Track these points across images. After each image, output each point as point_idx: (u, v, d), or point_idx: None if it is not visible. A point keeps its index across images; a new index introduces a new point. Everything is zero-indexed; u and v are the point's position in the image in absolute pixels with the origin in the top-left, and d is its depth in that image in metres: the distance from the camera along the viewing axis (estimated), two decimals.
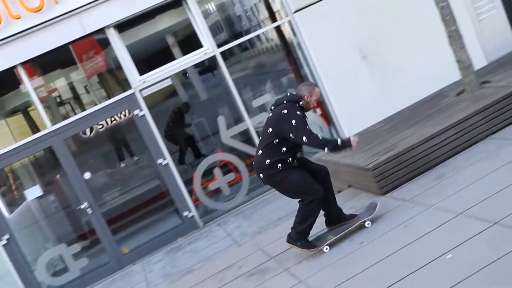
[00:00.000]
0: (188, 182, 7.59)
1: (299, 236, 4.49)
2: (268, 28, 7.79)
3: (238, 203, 7.66)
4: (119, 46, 7.21)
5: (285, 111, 4.35)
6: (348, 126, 7.64)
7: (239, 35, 7.84)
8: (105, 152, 8.77)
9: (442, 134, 5.10)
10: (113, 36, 7.17)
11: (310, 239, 4.59)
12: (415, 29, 7.77)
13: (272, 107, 4.56)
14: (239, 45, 7.62)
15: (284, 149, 4.35)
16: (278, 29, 7.97)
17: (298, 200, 4.57)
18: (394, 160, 4.97)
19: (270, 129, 4.39)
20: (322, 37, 7.55)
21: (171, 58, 7.42)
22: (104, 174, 8.26)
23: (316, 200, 4.43)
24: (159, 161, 7.35)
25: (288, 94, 4.63)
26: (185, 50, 7.37)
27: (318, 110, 7.92)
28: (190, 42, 7.40)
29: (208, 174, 7.67)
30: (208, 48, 7.38)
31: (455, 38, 6.05)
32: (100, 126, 8.14)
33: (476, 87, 5.99)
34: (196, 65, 7.57)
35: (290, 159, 4.42)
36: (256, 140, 7.54)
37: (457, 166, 4.93)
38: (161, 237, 7.55)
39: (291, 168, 4.43)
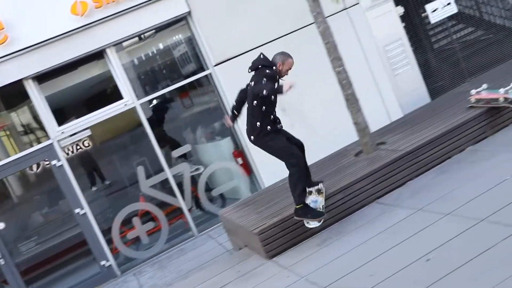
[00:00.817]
0: (107, 231, 7.63)
1: (299, 199, 5.02)
2: (190, 80, 7.98)
3: (157, 251, 7.73)
4: (38, 97, 7.28)
5: (265, 79, 4.85)
6: (268, 176, 7.84)
7: (160, 86, 7.99)
8: (22, 201, 8.74)
9: (330, 198, 5.32)
10: (31, 87, 7.24)
11: None
12: (330, 85, 8.06)
13: (250, 70, 5.13)
14: (160, 96, 7.78)
15: (272, 116, 5.13)
16: (200, 81, 8.17)
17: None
18: (281, 224, 5.15)
19: (255, 102, 4.99)
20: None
21: (91, 109, 7.51)
22: (21, 223, 8.22)
23: (299, 163, 5.13)
24: (77, 210, 7.37)
25: (262, 56, 5.13)
26: (106, 101, 7.48)
27: (239, 160, 8.12)
28: (110, 94, 7.53)
29: (128, 223, 7.74)
30: (128, 99, 7.51)
31: (351, 101, 6.33)
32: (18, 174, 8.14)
33: (372, 149, 6.26)
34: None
35: (272, 117, 5.15)
36: (176, 189, 7.73)
37: (341, 231, 5.14)
38: (78, 286, 7.54)
39: (276, 132, 5.18)
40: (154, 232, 7.82)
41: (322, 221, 5.08)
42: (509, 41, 9.58)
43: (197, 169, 7.94)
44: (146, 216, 7.88)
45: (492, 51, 9.50)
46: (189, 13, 7.63)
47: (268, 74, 4.91)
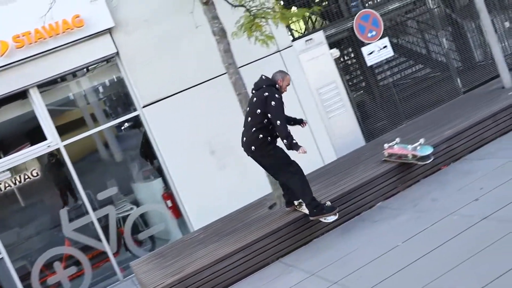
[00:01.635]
0: (27, 276, 7.38)
1: (314, 203, 5.26)
2: (118, 122, 7.86)
3: None
4: None
5: (266, 93, 5.28)
6: (197, 220, 7.70)
7: (87, 127, 7.84)
8: None
9: (232, 256, 5.21)
10: None
11: None
12: None
13: (253, 91, 5.51)
14: (87, 137, 7.63)
15: (271, 126, 5.31)
16: (129, 122, 8.05)
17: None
18: (179, 284, 5.01)
19: (259, 110, 5.29)
20: (170, 132, 7.66)
21: (13, 150, 7.33)
22: None
23: (299, 170, 5.43)
24: None
25: (264, 77, 5.51)
26: (29, 142, 7.32)
27: (169, 202, 7.98)
28: (34, 134, 7.35)
29: (50, 267, 7.51)
30: (52, 141, 7.35)
31: None
32: None
33: (284, 203, 6.14)
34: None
35: (275, 135, 5.38)
36: (101, 233, 7.54)
37: None
38: None
39: (275, 144, 5.45)
40: (78, 276, 7.60)
41: (337, 213, 5.30)
42: (448, 81, 9.70)
43: (124, 212, 7.78)
44: (70, 260, 7.66)
45: (431, 92, 9.59)
46: (117, 54, 7.54)
47: (275, 89, 5.39)
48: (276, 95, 5.30)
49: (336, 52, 8.85)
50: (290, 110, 8.08)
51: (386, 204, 5.81)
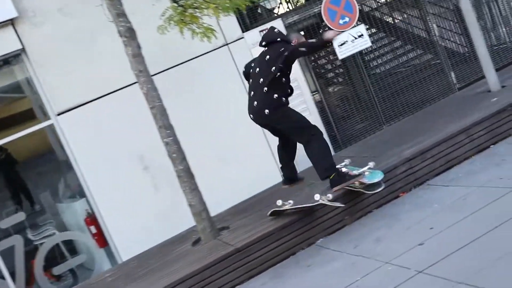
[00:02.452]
0: None
1: (332, 170, 4.85)
2: (26, 133, 6.51)
3: None
4: None
5: (283, 49, 4.90)
6: (126, 248, 6.44)
7: None
8: None
9: None
10: None
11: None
12: (204, 134, 6.70)
13: (264, 43, 5.08)
14: None
15: (284, 79, 4.93)
16: (40, 133, 6.72)
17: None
18: None
19: (274, 67, 4.83)
20: (92, 145, 6.36)
21: None
22: None
23: (317, 133, 5.01)
24: None
25: (277, 31, 5.16)
26: None
27: (92, 228, 6.69)
28: None
29: None
30: None
31: (183, 178, 5.01)
32: None
33: (211, 236, 5.15)
34: None
35: (289, 92, 5.05)
36: (3, 268, 6.28)
37: None
38: None
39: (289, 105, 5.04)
40: None
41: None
42: (439, 76, 8.22)
43: (38, 240, 6.52)
44: None
45: (418, 89, 8.13)
46: (23, 50, 6.18)
47: (288, 46, 4.92)
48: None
49: None
50: (240, 116, 6.83)
51: (327, 241, 4.89)
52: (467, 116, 6.16)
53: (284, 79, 4.96)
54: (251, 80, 5.18)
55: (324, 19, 7.52)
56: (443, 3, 8.56)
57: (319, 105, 7.95)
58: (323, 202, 4.73)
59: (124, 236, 6.46)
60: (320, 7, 7.50)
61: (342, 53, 7.57)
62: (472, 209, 4.29)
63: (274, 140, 6.86)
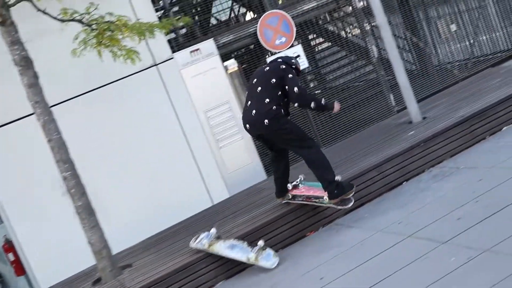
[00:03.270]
0: None
1: (334, 184, 4.84)
2: None
3: None
4: None
5: (283, 66, 4.99)
6: (44, 277, 6.13)
7: None
8: None
9: None
10: None
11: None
12: (131, 157, 6.48)
13: (267, 66, 5.13)
14: None
15: (285, 99, 4.95)
16: None
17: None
18: None
19: (274, 80, 4.90)
20: (9, 168, 6.06)
21: None
22: None
23: (314, 145, 5.05)
24: None
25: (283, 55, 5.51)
26: None
27: (10, 256, 6.36)
28: None
29: None
30: None
31: (83, 215, 4.77)
32: None
33: (112, 276, 4.93)
34: None
35: (288, 110, 5.05)
36: None
37: None
38: None
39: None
40: None
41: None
42: (378, 98, 8.17)
43: None
44: None
45: (357, 112, 8.07)
46: None
47: (292, 68, 5.02)
48: (293, 71, 5.01)
49: (233, 65, 7.25)
50: (169, 137, 6.64)
51: (227, 285, 4.63)
52: (383, 149, 6.10)
53: (281, 92, 4.93)
54: (247, 91, 5.16)
55: (260, 39, 7.44)
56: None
57: None
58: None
59: (43, 264, 6.17)
60: (256, 27, 7.45)
61: None
62: (365, 257, 4.19)
63: (205, 165, 6.80)
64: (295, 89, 4.79)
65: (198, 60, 6.74)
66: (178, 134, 6.65)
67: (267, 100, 4.86)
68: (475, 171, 5.23)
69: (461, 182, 5.07)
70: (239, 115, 6.94)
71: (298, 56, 7.57)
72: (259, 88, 4.95)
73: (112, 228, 6.01)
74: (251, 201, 6.09)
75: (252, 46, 7.61)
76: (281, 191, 5.38)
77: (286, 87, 4.85)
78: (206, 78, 6.75)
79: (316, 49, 8.47)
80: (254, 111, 4.91)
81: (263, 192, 6.29)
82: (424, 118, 6.80)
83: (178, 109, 6.63)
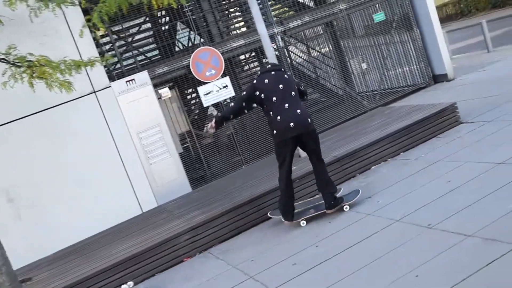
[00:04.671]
0: None
1: (334, 197, 5.41)
2: None
3: None
4: None
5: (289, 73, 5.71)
6: None
7: None
8: None
9: None
10: None
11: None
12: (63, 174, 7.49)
13: (272, 71, 5.48)
14: None
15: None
16: None
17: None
18: None
19: (296, 87, 5.45)
20: None
21: None
22: None
23: None
24: None
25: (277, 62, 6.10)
26: None
27: None
28: None
29: None
30: None
31: None
32: None
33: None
34: None
35: None
36: None
37: None
38: None
39: None
40: None
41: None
42: None
43: None
44: None
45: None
46: None
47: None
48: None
49: (166, 93, 8.37)
50: (105, 155, 7.68)
51: None
52: (264, 182, 6.47)
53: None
54: (276, 96, 5.28)
55: (192, 71, 8.57)
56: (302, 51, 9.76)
57: (191, 144, 8.95)
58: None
59: None
60: (189, 60, 8.58)
61: (207, 101, 8.70)
62: None
63: (136, 179, 7.81)
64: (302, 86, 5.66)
65: (133, 89, 7.81)
66: (113, 152, 7.66)
67: (302, 103, 5.43)
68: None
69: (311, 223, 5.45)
70: (169, 136, 8.08)
71: (226, 86, 8.82)
72: (293, 93, 5.33)
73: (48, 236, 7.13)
74: (151, 222, 6.69)
75: (186, 76, 8.69)
76: (293, 211, 5.54)
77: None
78: (140, 105, 7.83)
79: (241, 81, 9.61)
80: (298, 111, 5.24)
81: (162, 214, 6.94)
82: None
83: (114, 130, 7.66)
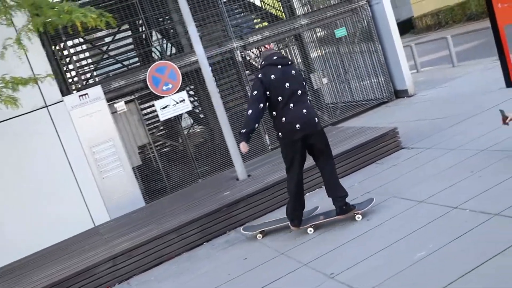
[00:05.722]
0: None
1: (345, 203, 5.10)
2: None
3: None
4: None
5: (297, 67, 5.24)
6: None
7: None
8: None
9: None
10: None
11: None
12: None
13: (280, 65, 5.04)
14: None
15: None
16: None
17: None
18: None
19: (304, 83, 5.16)
20: None
21: None
22: None
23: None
24: None
25: (282, 54, 5.29)
26: None
27: None
28: None
29: None
30: None
31: None
32: None
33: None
34: None
35: None
36: None
37: None
38: None
39: None
40: None
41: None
42: (255, 139, 9.42)
43: None
44: None
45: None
46: None
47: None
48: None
49: (122, 107, 8.43)
50: (57, 169, 7.71)
51: None
52: (192, 209, 6.39)
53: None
54: (282, 95, 4.93)
55: (149, 85, 8.63)
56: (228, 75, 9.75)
57: (150, 157, 9.01)
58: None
59: None
60: (145, 74, 8.64)
61: (163, 115, 8.78)
62: None
63: (88, 192, 7.84)
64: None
65: (86, 103, 7.86)
66: (65, 166, 7.71)
67: (309, 102, 5.08)
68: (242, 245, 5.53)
69: (232, 257, 5.34)
70: (122, 150, 8.12)
71: (183, 100, 8.88)
72: (299, 92, 4.98)
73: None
74: (80, 246, 6.58)
75: (148, 89, 8.74)
76: (302, 217, 5.27)
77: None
78: (92, 119, 7.87)
79: (200, 95, 9.67)
80: (304, 111, 4.94)
81: (93, 238, 6.85)
82: (249, 175, 7.16)
83: (66, 144, 7.71)
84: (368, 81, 10.67)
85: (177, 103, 8.75)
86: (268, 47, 10.12)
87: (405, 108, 9.65)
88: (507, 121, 5.10)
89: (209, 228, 5.99)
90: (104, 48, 10.21)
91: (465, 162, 5.59)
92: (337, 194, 5.05)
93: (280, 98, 4.93)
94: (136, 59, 10.57)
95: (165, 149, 9.86)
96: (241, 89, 9.62)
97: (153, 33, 9.59)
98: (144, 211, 7.53)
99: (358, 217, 5.06)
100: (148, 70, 8.58)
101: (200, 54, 6.71)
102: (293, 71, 5.05)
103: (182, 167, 9.00)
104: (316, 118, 5.02)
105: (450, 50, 12.53)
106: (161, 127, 9.94)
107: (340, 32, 10.25)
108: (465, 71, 11.24)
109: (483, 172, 5.11)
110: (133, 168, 8.47)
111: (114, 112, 8.37)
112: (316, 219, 5.27)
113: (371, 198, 5.26)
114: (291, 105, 4.93)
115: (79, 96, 7.87)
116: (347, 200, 5.10)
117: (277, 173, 6.51)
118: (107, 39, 10.33)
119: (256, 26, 10.72)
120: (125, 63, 10.57)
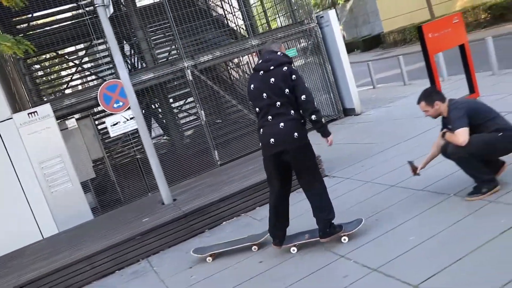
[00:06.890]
0: None
1: (330, 224, 4.65)
2: None
3: None
4: None
5: (285, 68, 4.53)
6: None
7: None
8: None
9: None
10: None
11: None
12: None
13: (260, 71, 4.60)
14: None
15: (297, 108, 4.54)
16: None
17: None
18: None
19: (287, 90, 4.47)
20: None
21: None
22: None
23: (323, 181, 4.71)
24: None
25: (269, 52, 4.68)
26: None
27: None
28: None
29: None
30: None
31: None
32: None
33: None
34: None
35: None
36: None
37: None
38: None
39: None
40: None
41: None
42: (204, 153, 9.80)
43: None
44: None
45: (185, 164, 9.67)
46: None
47: (284, 61, 4.62)
48: (293, 67, 4.61)
49: (73, 123, 8.74)
50: (6, 184, 7.98)
51: None
52: (106, 237, 6.37)
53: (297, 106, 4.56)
54: (261, 106, 4.63)
55: (100, 102, 8.97)
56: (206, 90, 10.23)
57: (104, 170, 9.31)
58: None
59: None
60: (97, 92, 8.98)
61: (114, 131, 9.09)
62: None
63: (37, 207, 8.12)
64: (303, 97, 4.49)
65: (35, 121, 8.15)
66: (14, 181, 8.00)
67: (292, 111, 4.52)
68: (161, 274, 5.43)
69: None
70: (70, 165, 8.42)
71: (133, 117, 9.22)
72: (278, 103, 4.52)
73: None
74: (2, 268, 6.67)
75: (97, 107, 9.10)
76: (282, 239, 4.91)
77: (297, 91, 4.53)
78: (41, 136, 8.16)
79: (157, 112, 10.05)
80: (281, 124, 4.50)
81: (15, 260, 6.96)
82: (174, 199, 7.25)
83: (14, 160, 7.99)
84: (317, 99, 11.11)
85: (127, 120, 9.09)
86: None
87: (346, 128, 10.09)
88: (417, 172, 5.18)
89: (121, 257, 5.94)
90: (58, 67, 10.53)
91: (373, 199, 5.60)
92: (321, 216, 4.68)
93: (258, 109, 4.68)
94: (93, 77, 10.91)
95: (119, 162, 10.18)
96: (194, 107, 10.00)
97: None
98: (93, 224, 7.84)
99: (345, 239, 4.73)
100: (100, 88, 8.93)
101: (124, 79, 7.03)
102: (272, 79, 4.52)
103: (134, 179, 9.33)
104: (295, 134, 4.49)
105: (402, 69, 13.08)
106: (116, 142, 10.26)
107: (291, 52, 10.69)
108: (413, 90, 11.74)
109: (386, 211, 5.09)
110: (87, 181, 8.76)
111: (64, 128, 8.68)
112: (300, 238, 4.96)
113: (360, 218, 4.88)
114: (269, 117, 4.56)
115: (28, 113, 8.16)
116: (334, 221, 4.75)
117: (201, 198, 6.57)
118: (58, 60, 10.65)
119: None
120: (79, 82, 10.89)
